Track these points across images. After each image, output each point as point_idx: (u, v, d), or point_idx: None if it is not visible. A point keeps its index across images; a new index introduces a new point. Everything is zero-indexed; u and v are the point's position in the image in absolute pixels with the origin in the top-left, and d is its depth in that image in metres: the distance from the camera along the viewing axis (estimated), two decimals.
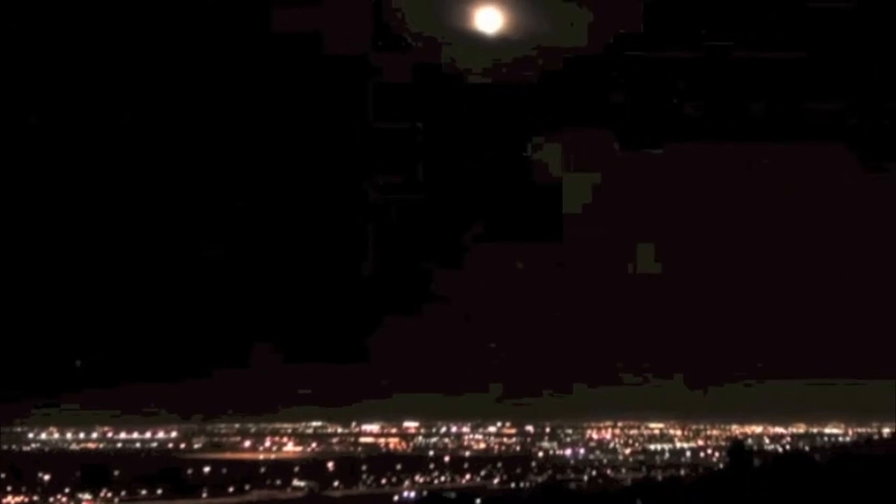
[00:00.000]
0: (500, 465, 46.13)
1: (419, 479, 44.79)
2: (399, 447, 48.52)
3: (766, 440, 46.88)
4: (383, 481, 44.60)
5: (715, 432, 48.37)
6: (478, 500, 40.03)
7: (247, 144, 25.21)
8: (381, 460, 46.46)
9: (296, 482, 43.95)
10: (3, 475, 39.47)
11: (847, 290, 45.43)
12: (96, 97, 21.56)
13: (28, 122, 20.98)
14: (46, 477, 39.74)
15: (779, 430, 47.23)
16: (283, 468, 45.13)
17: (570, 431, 48.95)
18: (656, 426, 49.36)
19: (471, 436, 48.89)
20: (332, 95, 23.46)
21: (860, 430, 46.29)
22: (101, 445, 46.09)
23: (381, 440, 48.96)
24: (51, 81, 20.15)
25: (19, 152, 22.55)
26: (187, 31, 19.99)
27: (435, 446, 48.49)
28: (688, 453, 47.78)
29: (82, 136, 23.33)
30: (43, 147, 23.13)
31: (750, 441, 46.16)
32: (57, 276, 31.15)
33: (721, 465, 43.40)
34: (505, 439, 48.84)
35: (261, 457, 47.40)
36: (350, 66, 22.03)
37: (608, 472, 45.96)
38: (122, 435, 46.65)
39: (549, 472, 45.88)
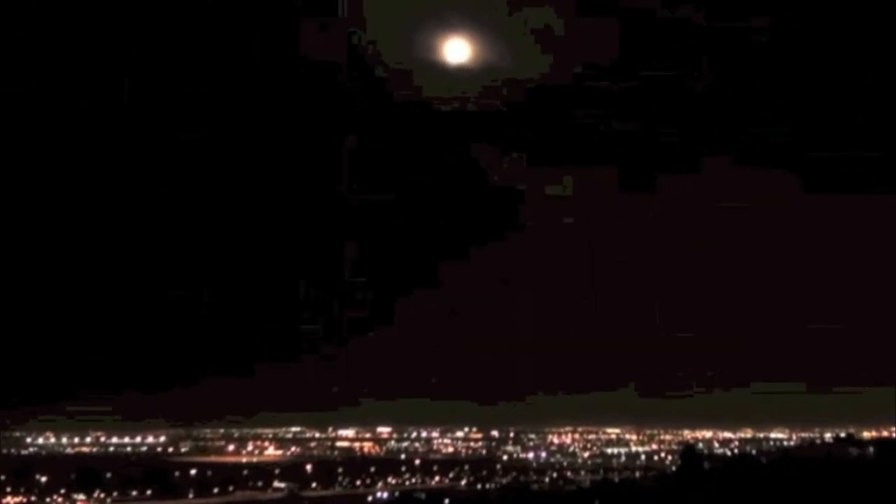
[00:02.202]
0: (467, 467, 46.95)
1: (392, 480, 45.38)
2: (373, 451, 49.28)
3: (716, 444, 47.64)
4: (358, 483, 45.20)
5: (668, 437, 49.36)
6: (446, 501, 40.07)
7: (224, 163, 25.58)
8: (356, 463, 47.20)
9: (276, 483, 44.47)
10: (3, 477, 40.09)
11: (790, 305, 47.89)
12: (86, 115, 21.06)
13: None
14: (44, 478, 40.27)
15: (727, 434, 48.12)
16: (264, 470, 45.81)
17: (532, 436, 49.72)
18: (613, 431, 50.11)
19: (440, 440, 49.64)
20: (312, 117, 23.91)
21: (803, 434, 47.06)
22: (95, 449, 46.73)
23: (356, 444, 49.62)
24: (45, 88, 19.54)
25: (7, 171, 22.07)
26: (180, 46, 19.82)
27: (406, 450, 49.24)
28: (642, 457, 48.54)
29: (59, 158, 22.83)
30: (25, 170, 22.58)
31: (700, 445, 46.72)
32: (53, 295, 31.53)
33: (674, 468, 43.79)
34: (471, 443, 49.67)
35: (243, 460, 48.21)
36: (327, 90, 22.41)
37: (568, 474, 46.54)
38: (114, 439, 47.37)
39: (513, 474, 46.68)
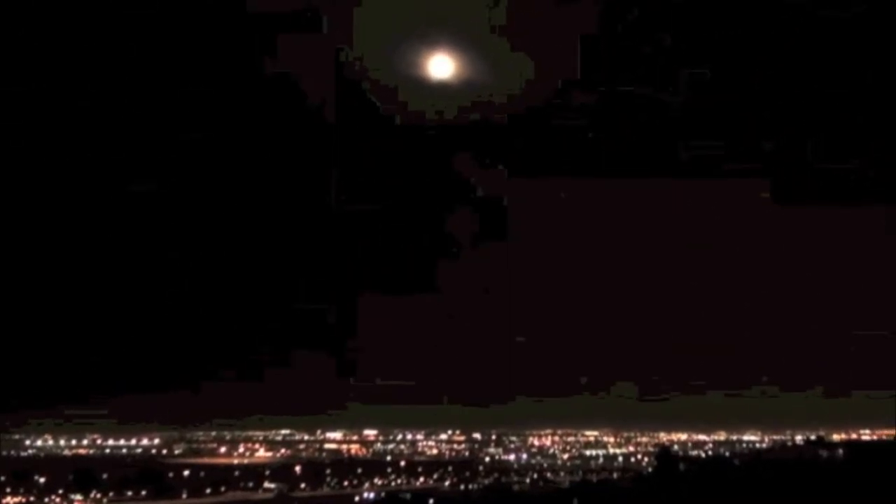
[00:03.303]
0: (450, 468, 47.40)
1: (378, 481, 45.89)
2: (360, 453, 49.49)
3: (691, 446, 48.09)
4: (346, 483, 45.69)
5: (644, 439, 49.76)
6: (431, 501, 40.86)
7: (211, 171, 24.73)
8: (343, 465, 47.52)
9: (266, 484, 45.00)
10: (3, 478, 40.53)
11: (762, 311, 48.07)
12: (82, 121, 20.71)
13: None
14: (42, 479, 40.76)
15: (702, 437, 48.48)
16: (255, 472, 46.21)
17: (513, 438, 50.12)
18: (591, 434, 50.40)
19: (424, 442, 49.83)
20: (300, 131, 23.51)
21: (775, 437, 47.63)
22: (91, 451, 46.99)
23: (344, 446, 49.84)
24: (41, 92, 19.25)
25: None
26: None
27: (392, 452, 49.53)
28: (620, 458, 48.93)
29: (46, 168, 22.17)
30: (16, 177, 21.91)
31: (676, 447, 47.66)
32: (51, 305, 30.80)
33: (650, 469, 45.08)
34: (455, 446, 49.94)
35: (235, 461, 48.35)
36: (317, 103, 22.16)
37: (548, 475, 47.07)
38: (110, 442, 47.59)
39: (495, 475, 47.29)
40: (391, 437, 50.15)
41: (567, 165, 29.17)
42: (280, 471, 46.55)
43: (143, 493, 42.05)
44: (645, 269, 46.70)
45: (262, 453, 49.48)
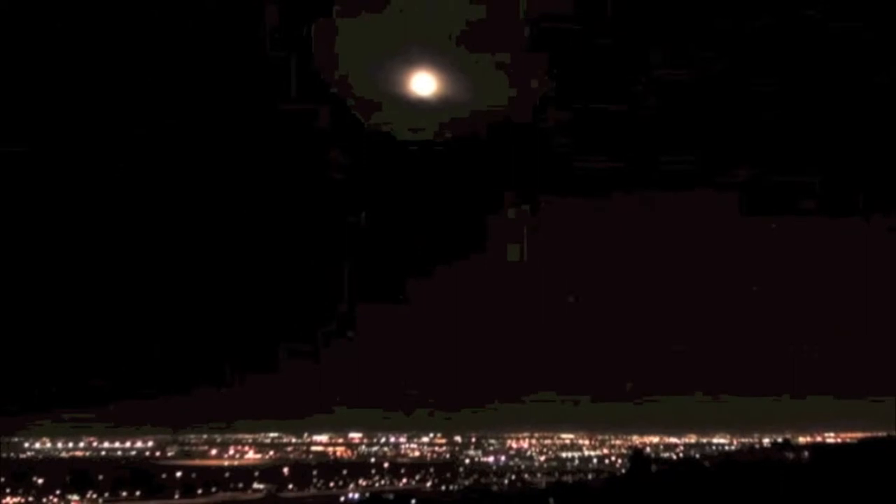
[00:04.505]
0: (432, 470, 48.03)
1: (362, 482, 46.57)
2: (345, 455, 50.09)
3: (662, 449, 48.60)
4: (331, 484, 46.30)
5: (618, 442, 50.32)
6: (413, 501, 40.67)
7: (204, 183, 26.25)
8: (329, 466, 48.12)
9: (255, 485, 45.67)
10: (3, 479, 41.31)
11: (731, 319, 50.73)
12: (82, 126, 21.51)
13: None
14: (40, 480, 41.37)
15: (673, 440, 49.15)
16: (244, 473, 46.84)
17: (492, 441, 50.75)
18: (567, 437, 50.96)
19: (406, 445, 50.55)
20: (291, 149, 25.17)
21: (744, 440, 48.05)
22: (87, 453, 47.45)
23: (330, 449, 50.44)
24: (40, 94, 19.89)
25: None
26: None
27: (376, 454, 50.14)
28: (594, 460, 49.63)
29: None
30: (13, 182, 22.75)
31: (648, 450, 47.86)
32: (47, 314, 33.39)
33: (623, 471, 44.60)
34: (436, 448, 50.54)
35: (225, 463, 48.97)
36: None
37: (525, 476, 47.57)
38: (105, 444, 48.06)
39: (475, 476, 48.01)
40: (375, 440, 50.49)
41: (545, 179, 31.09)
42: (269, 472, 46.97)
43: (137, 493, 42.50)
44: (618, 279, 49.47)
45: (251, 455, 49.82)
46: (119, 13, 17.66)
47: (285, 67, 20.44)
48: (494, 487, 44.75)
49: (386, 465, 48.65)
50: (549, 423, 51.24)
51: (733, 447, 48.07)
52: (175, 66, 19.75)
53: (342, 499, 44.60)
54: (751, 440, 47.65)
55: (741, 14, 18.78)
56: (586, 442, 50.73)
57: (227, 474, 46.66)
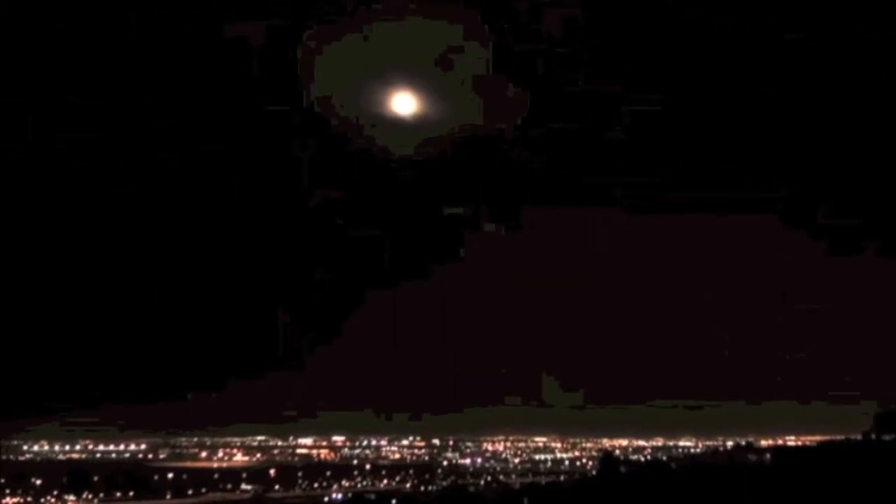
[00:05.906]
0: (411, 471, 49.10)
1: (345, 483, 47.67)
2: (329, 457, 51.10)
3: (631, 451, 49.87)
4: (316, 486, 47.39)
5: (589, 445, 51.46)
6: (394, 501, 42.55)
7: (189, 190, 25.28)
8: (313, 468, 49.09)
9: (244, 486, 46.75)
10: (2, 480, 42.43)
11: (697, 325, 51.79)
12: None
13: None
14: (38, 482, 42.40)
15: (641, 443, 50.44)
16: (233, 474, 47.83)
17: (469, 444, 51.95)
18: (540, 440, 52.20)
19: (387, 448, 51.56)
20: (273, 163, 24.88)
21: (708, 442, 49.63)
22: (83, 456, 48.49)
23: (314, 451, 51.42)
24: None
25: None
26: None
27: (358, 456, 51.13)
28: (566, 462, 50.81)
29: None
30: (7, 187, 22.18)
31: (617, 452, 49.33)
32: (45, 321, 32.37)
33: (594, 472, 46.69)
34: (415, 450, 51.68)
35: (215, 465, 49.75)
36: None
37: (501, 477, 48.93)
38: (100, 447, 49.05)
39: (452, 477, 49.27)
40: (357, 443, 51.36)
41: (521, 195, 31.27)
42: (256, 473, 47.95)
43: (131, 493, 43.70)
44: (589, 288, 50.46)
45: (239, 457, 50.64)
46: (119, 13, 17.66)
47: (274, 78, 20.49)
48: (471, 488, 46.03)
49: (368, 466, 49.38)
50: (524, 426, 52.10)
51: (699, 449, 49.60)
52: (172, 67, 19.77)
53: (326, 499, 45.84)
54: (715, 443, 49.02)
55: (727, 21, 18.74)
56: (559, 445, 51.60)
57: (216, 476, 47.43)
